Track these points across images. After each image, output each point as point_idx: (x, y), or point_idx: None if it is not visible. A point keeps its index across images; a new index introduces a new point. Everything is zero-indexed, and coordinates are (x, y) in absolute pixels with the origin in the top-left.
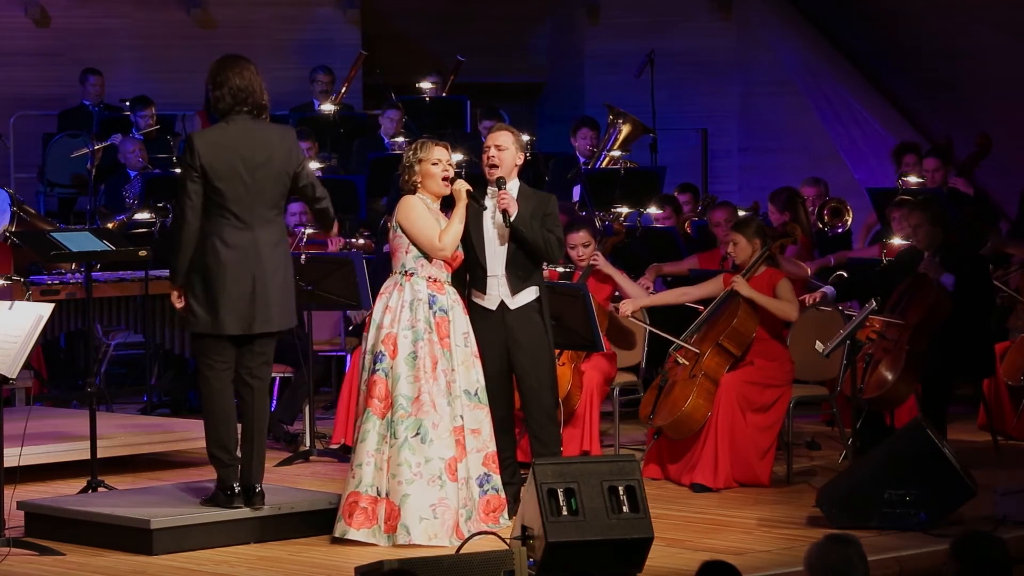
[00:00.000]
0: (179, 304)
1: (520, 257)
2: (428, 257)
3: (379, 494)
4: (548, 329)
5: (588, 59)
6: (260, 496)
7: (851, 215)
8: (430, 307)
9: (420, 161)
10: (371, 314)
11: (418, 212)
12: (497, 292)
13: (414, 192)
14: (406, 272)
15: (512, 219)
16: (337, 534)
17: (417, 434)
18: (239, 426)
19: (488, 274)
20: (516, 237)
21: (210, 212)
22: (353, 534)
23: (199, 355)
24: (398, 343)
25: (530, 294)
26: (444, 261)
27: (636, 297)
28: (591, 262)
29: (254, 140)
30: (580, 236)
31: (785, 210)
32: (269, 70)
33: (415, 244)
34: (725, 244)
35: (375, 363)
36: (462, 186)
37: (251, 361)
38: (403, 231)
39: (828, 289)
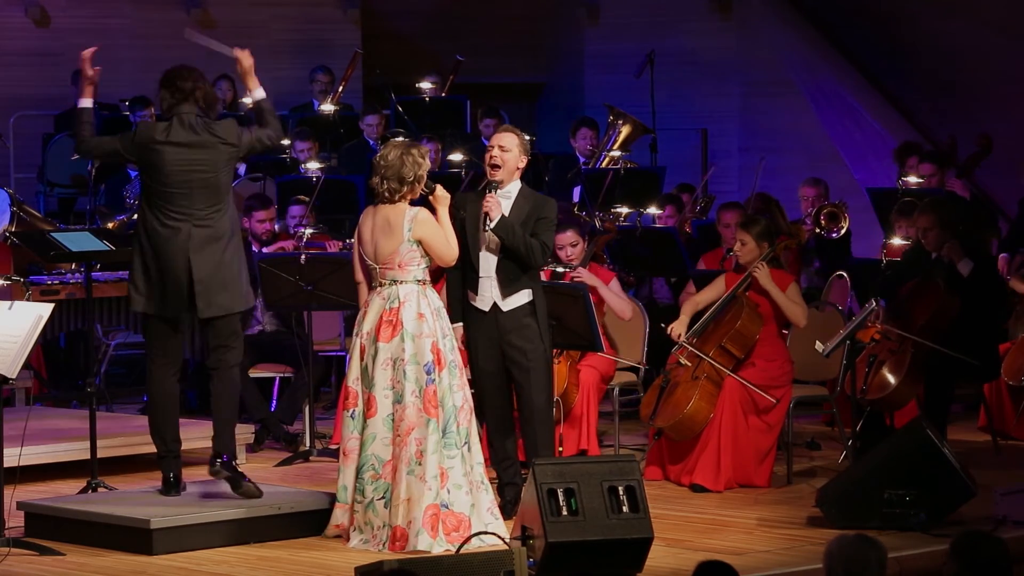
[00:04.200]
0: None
1: (510, 261)
2: (428, 265)
3: (445, 506)
4: (543, 332)
5: (588, 59)
6: (226, 466)
7: (847, 220)
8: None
9: (424, 173)
10: (367, 317)
11: (436, 225)
12: (489, 293)
13: (398, 198)
14: (420, 281)
15: (494, 223)
16: (422, 547)
17: (466, 442)
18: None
19: (480, 275)
20: (502, 242)
21: (149, 202)
22: (437, 545)
23: (145, 346)
24: (442, 354)
25: (522, 297)
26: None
27: (618, 309)
28: (574, 277)
29: (193, 135)
30: (567, 236)
31: (761, 215)
32: (269, 70)
33: (435, 255)
34: (731, 244)
35: (428, 373)
36: (444, 193)
37: (209, 354)
38: (424, 244)
39: (873, 304)
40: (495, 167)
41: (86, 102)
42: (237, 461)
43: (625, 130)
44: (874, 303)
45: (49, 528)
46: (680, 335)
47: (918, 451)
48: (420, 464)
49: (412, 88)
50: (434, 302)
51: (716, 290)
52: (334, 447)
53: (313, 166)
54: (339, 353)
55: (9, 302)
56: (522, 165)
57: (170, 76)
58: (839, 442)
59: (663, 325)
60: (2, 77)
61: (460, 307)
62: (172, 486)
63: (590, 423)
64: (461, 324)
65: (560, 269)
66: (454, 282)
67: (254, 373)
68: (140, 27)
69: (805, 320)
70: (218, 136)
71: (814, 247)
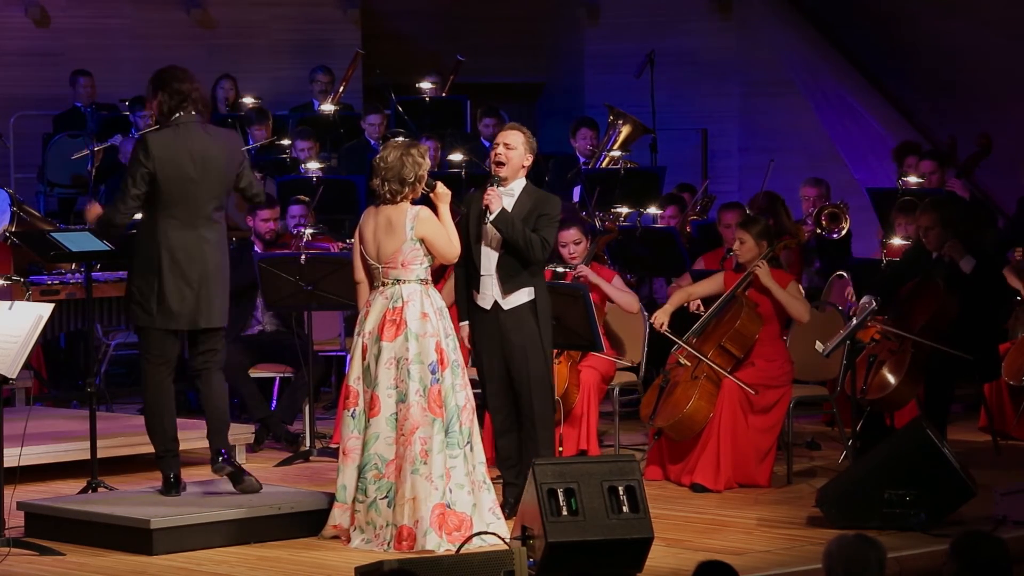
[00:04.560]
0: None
1: (511, 258)
2: (431, 264)
3: (448, 505)
4: (544, 331)
5: (588, 59)
6: (228, 462)
7: (848, 221)
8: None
9: (425, 173)
10: (369, 317)
11: (438, 223)
12: (490, 292)
13: (399, 199)
14: (422, 280)
15: (493, 216)
16: (430, 547)
17: (468, 442)
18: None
19: (482, 273)
20: (501, 236)
21: (157, 212)
22: (443, 544)
23: (141, 348)
24: (445, 354)
25: (523, 296)
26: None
27: (625, 304)
28: (577, 275)
29: (202, 141)
30: (571, 234)
31: (766, 213)
32: (269, 70)
33: (437, 253)
34: (732, 244)
35: (433, 372)
36: (445, 190)
37: (195, 357)
38: (426, 242)
39: (867, 299)
40: (500, 164)
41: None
42: (236, 460)
43: (625, 130)
44: (874, 303)
45: (49, 528)
46: (663, 324)
47: (918, 451)
48: (425, 463)
49: (412, 88)
50: (437, 301)
51: (712, 285)
52: (334, 447)
53: (313, 166)
54: (339, 353)
55: (9, 302)
56: (527, 163)
57: (165, 78)
58: (839, 442)
59: (644, 313)
60: (2, 77)
61: (466, 306)
62: (172, 486)
63: (590, 423)
64: (467, 323)
65: (561, 269)
66: (461, 281)
67: (254, 373)
68: (140, 27)
69: (808, 315)
70: (226, 144)
71: (814, 247)
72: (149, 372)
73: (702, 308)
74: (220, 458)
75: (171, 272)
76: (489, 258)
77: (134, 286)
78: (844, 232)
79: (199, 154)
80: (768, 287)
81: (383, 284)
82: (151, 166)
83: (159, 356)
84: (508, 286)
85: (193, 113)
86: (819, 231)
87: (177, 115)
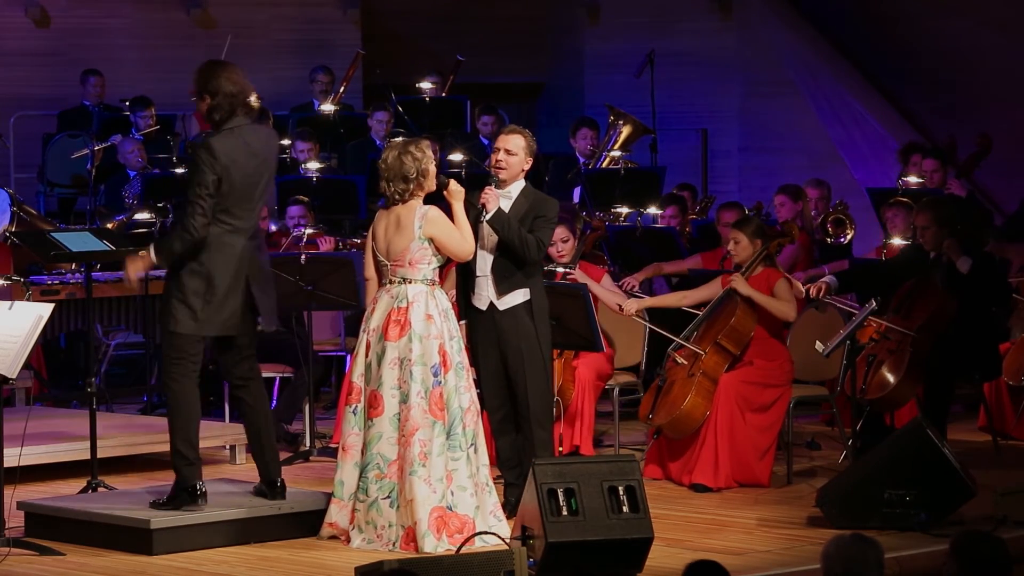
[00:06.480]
0: (134, 275)
1: (505, 260)
2: (439, 265)
3: (449, 507)
4: (540, 332)
5: (588, 59)
6: (283, 489)
7: (853, 228)
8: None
9: (429, 165)
10: (374, 314)
11: (447, 223)
12: (486, 292)
13: (408, 197)
14: (429, 281)
15: (489, 215)
16: (428, 549)
17: (472, 444)
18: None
19: (477, 274)
20: (497, 235)
21: (214, 214)
22: (441, 546)
23: (173, 353)
24: (448, 356)
25: (518, 296)
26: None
27: (612, 304)
28: (564, 275)
29: (255, 146)
30: (557, 232)
31: (798, 199)
32: (269, 70)
33: (448, 253)
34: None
35: (435, 375)
36: (458, 188)
37: (237, 365)
38: (436, 242)
39: (831, 279)
40: (500, 169)
41: None
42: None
43: (625, 130)
44: (874, 303)
45: (49, 528)
46: (635, 287)
47: (918, 451)
48: (424, 466)
49: (412, 88)
50: (442, 303)
51: (706, 292)
52: (334, 447)
53: (313, 166)
54: (339, 353)
55: (9, 302)
56: (527, 167)
57: (214, 85)
58: (839, 442)
59: (617, 304)
60: (2, 77)
61: (465, 304)
62: (203, 496)
63: (584, 420)
64: (465, 322)
65: (559, 269)
66: (460, 280)
67: None
68: (140, 27)
69: (794, 313)
70: (271, 145)
71: (817, 249)
72: (184, 379)
73: (636, 289)
74: (280, 492)
75: (226, 276)
76: (484, 259)
77: (182, 290)
78: (850, 238)
79: (257, 158)
80: (749, 295)
81: (390, 282)
82: (219, 170)
83: (192, 363)
84: (503, 287)
85: (244, 115)
86: (827, 239)
87: (231, 119)
